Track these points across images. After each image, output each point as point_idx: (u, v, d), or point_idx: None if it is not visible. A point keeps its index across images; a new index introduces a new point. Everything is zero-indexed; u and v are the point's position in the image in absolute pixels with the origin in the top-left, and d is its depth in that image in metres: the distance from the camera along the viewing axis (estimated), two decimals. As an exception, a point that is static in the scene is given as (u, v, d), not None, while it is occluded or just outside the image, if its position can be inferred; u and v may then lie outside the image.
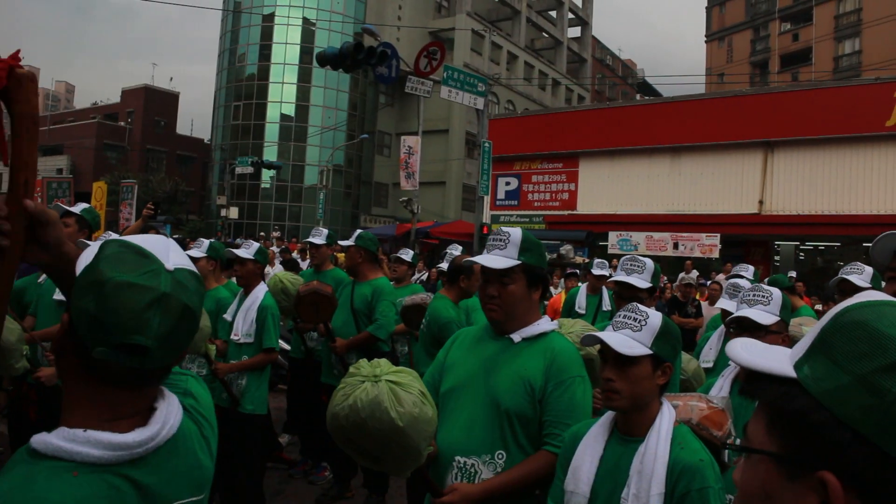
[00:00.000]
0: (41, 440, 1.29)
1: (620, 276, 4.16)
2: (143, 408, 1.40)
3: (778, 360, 0.98)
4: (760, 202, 25.34)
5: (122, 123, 61.19)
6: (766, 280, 6.53)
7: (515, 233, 2.92)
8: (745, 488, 0.98)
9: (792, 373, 0.94)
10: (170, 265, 1.39)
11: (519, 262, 2.84)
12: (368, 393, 2.38)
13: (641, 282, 4.11)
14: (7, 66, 1.37)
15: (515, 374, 2.80)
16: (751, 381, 0.99)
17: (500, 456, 2.75)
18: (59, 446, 1.28)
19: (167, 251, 1.42)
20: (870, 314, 0.91)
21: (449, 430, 2.83)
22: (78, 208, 5.75)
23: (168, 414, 1.41)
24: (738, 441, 2.39)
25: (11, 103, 1.40)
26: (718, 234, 24.64)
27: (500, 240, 2.91)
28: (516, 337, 2.89)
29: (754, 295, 3.32)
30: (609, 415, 2.47)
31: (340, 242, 6.44)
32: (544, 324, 2.95)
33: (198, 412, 1.55)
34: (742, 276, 5.77)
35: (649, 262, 4.23)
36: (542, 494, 2.64)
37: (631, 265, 4.21)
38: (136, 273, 1.33)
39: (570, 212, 29.82)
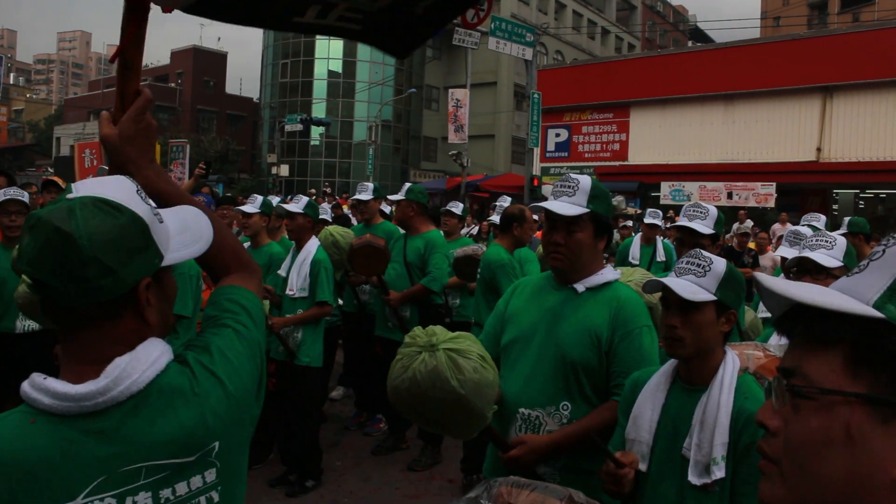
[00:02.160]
0: (23, 384, 1.30)
1: (682, 222, 4.03)
2: (101, 355, 1.33)
3: (845, 298, 0.92)
4: (818, 149, 24.73)
5: (173, 85, 61.78)
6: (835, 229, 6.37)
7: (585, 180, 2.84)
8: (814, 434, 0.91)
9: (871, 311, 0.88)
10: (77, 194, 1.33)
11: (588, 210, 2.76)
12: (427, 364, 2.36)
13: (704, 228, 3.94)
14: None
15: (581, 325, 2.75)
16: (810, 321, 0.94)
17: (565, 407, 2.73)
18: (25, 392, 1.28)
19: (91, 184, 1.37)
20: None
21: (513, 382, 2.79)
22: None
23: (129, 367, 1.32)
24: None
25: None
26: (774, 184, 24.16)
27: (569, 186, 2.82)
28: (580, 287, 2.83)
29: (817, 240, 3.25)
30: (671, 363, 2.42)
31: (390, 197, 6.42)
32: (608, 273, 2.88)
33: (205, 368, 1.45)
34: (811, 226, 5.58)
35: (713, 209, 4.06)
36: (600, 439, 2.62)
37: (693, 211, 4.05)
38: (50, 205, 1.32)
39: (621, 162, 29.46)
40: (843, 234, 5.19)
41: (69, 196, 1.32)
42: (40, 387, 1.27)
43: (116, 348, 1.34)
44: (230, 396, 1.46)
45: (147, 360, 1.35)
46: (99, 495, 1.27)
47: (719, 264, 2.33)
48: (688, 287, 2.27)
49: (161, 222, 1.43)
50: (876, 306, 0.88)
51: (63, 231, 1.26)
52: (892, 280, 0.90)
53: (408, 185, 6.59)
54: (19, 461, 1.22)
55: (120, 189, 1.38)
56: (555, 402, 2.73)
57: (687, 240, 3.98)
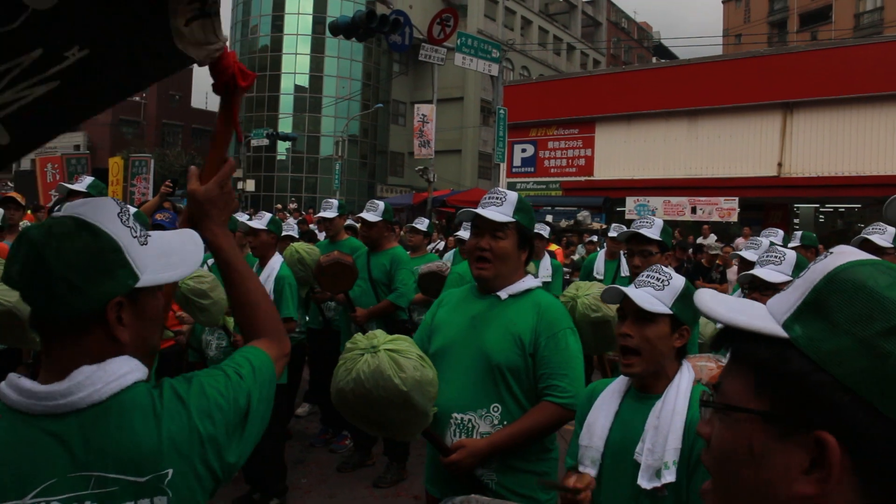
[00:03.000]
0: (2, 383, 1.38)
1: (632, 228, 4.28)
2: (70, 366, 1.39)
3: (759, 316, 0.95)
4: (779, 164, 25.08)
5: (137, 98, 61.20)
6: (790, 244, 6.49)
7: (512, 193, 3.03)
8: (726, 447, 0.96)
9: (780, 332, 0.91)
10: (59, 213, 1.44)
11: (513, 219, 2.93)
12: (370, 364, 2.45)
13: (651, 233, 4.18)
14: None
15: (504, 329, 2.88)
16: (729, 338, 0.98)
17: (495, 409, 2.84)
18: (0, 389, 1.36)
19: (80, 205, 1.46)
20: (864, 274, 0.89)
21: (443, 389, 2.85)
22: (83, 184, 5.73)
23: (93, 377, 1.37)
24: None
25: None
26: (737, 198, 24.47)
27: (497, 198, 3.00)
28: (503, 294, 2.98)
29: (767, 255, 3.40)
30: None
31: (363, 216, 6.40)
32: (529, 281, 3.04)
33: (176, 393, 1.48)
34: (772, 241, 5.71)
35: (659, 220, 4.30)
36: (550, 481, 2.72)
37: (640, 221, 4.31)
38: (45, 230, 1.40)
39: (586, 178, 29.64)
40: (796, 248, 5.36)
41: (55, 214, 1.44)
42: (12, 383, 1.36)
43: (84, 360, 1.39)
44: (193, 429, 1.46)
45: (113, 374, 1.39)
46: (46, 497, 1.31)
47: (678, 280, 2.42)
48: (646, 298, 2.35)
49: (144, 244, 1.50)
50: (785, 326, 0.92)
51: (37, 248, 1.35)
52: (801, 300, 0.92)
53: (381, 204, 6.57)
54: None
55: (100, 211, 1.45)
56: (485, 404, 2.84)
57: (635, 248, 4.17)
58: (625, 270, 8.30)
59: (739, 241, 18.32)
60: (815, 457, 0.85)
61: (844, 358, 0.85)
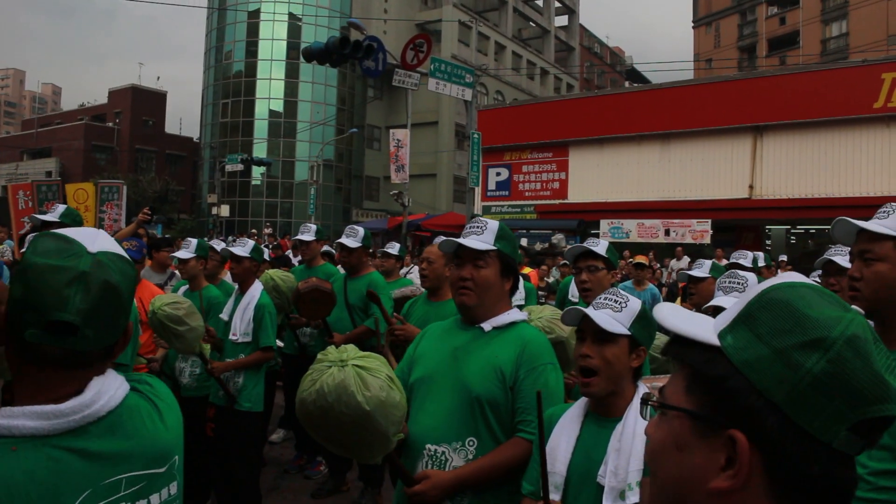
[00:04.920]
0: None
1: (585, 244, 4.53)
2: (80, 386, 1.43)
3: (703, 327, 1.04)
4: (751, 187, 25.36)
5: (111, 124, 60.95)
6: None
7: (493, 222, 2.99)
8: (659, 440, 1.05)
9: (716, 341, 1.00)
10: (93, 248, 1.46)
11: (495, 248, 2.90)
12: (335, 377, 2.37)
13: (599, 249, 4.41)
14: None
15: (486, 362, 2.82)
16: (676, 345, 1.06)
17: (471, 443, 2.76)
18: None
19: (94, 238, 1.50)
20: (793, 294, 0.98)
21: (419, 418, 2.84)
22: (56, 213, 5.61)
23: (104, 386, 1.45)
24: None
25: None
26: (709, 220, 24.66)
27: (478, 227, 2.97)
28: (487, 326, 2.92)
29: (730, 282, 3.47)
30: (584, 399, 2.51)
31: (343, 241, 6.42)
32: (514, 314, 2.99)
33: (152, 393, 1.59)
34: (740, 265, 5.77)
35: (604, 241, 4.54)
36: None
37: (588, 241, 4.58)
38: (57, 257, 1.41)
39: (560, 201, 29.80)
40: (761, 268, 5.57)
41: (90, 250, 1.45)
42: (21, 413, 1.35)
43: (92, 376, 1.46)
44: (177, 415, 1.64)
45: (116, 382, 1.49)
46: None
47: (634, 303, 2.48)
48: (605, 318, 2.40)
49: None
50: (720, 336, 1.01)
51: (112, 285, 1.44)
52: (738, 313, 1.02)
53: (361, 229, 6.59)
54: (10, 484, 1.28)
55: (118, 244, 1.56)
56: (461, 437, 2.76)
57: (582, 264, 4.44)
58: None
59: (672, 262, 18.80)
60: (731, 455, 0.94)
61: (762, 366, 0.94)
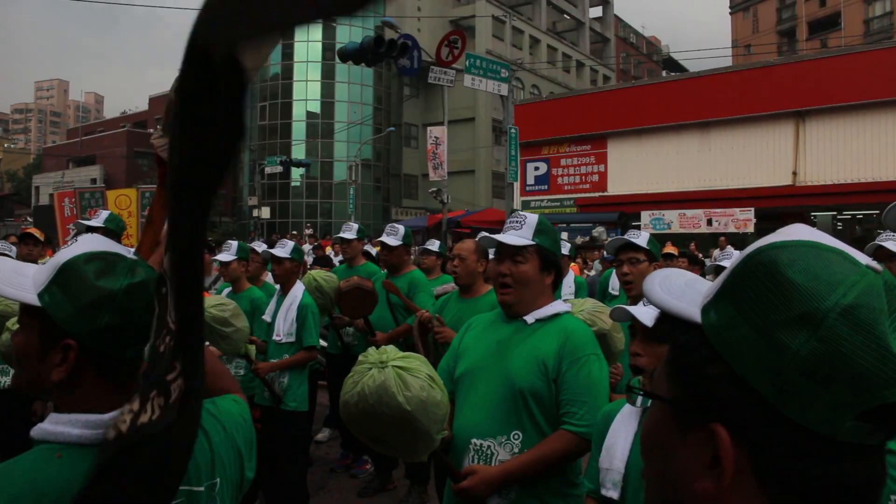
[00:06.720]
0: (36, 428, 1.38)
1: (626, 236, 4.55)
2: (127, 395, 1.41)
3: (691, 301, 0.89)
4: (794, 173, 25.00)
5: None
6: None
7: (532, 216, 2.99)
8: (645, 432, 0.93)
9: (695, 315, 0.85)
10: (134, 257, 1.48)
11: (533, 242, 2.90)
12: (375, 379, 2.40)
13: (640, 241, 4.41)
14: None
15: (529, 354, 2.82)
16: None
17: (516, 436, 2.76)
18: (45, 429, 1.37)
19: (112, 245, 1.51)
20: (783, 256, 0.80)
21: (464, 413, 2.85)
22: (100, 219, 5.75)
23: None
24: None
25: None
26: (752, 209, 24.33)
27: (518, 221, 2.98)
28: (529, 318, 2.92)
29: None
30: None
31: (384, 240, 6.45)
32: (557, 305, 2.98)
33: (208, 410, 1.59)
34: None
35: (645, 233, 4.56)
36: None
37: (629, 233, 4.59)
38: (126, 275, 1.43)
39: (600, 193, 29.64)
40: None
41: (131, 258, 1.47)
42: (67, 420, 1.37)
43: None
44: (231, 441, 1.60)
45: None
46: None
47: None
48: (651, 316, 2.36)
49: None
50: (703, 311, 0.85)
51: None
52: (722, 282, 0.85)
53: (401, 228, 6.63)
54: (57, 490, 1.29)
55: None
56: (506, 431, 2.77)
57: (623, 256, 4.45)
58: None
59: (716, 252, 18.34)
60: (717, 453, 0.79)
61: (743, 349, 0.79)
